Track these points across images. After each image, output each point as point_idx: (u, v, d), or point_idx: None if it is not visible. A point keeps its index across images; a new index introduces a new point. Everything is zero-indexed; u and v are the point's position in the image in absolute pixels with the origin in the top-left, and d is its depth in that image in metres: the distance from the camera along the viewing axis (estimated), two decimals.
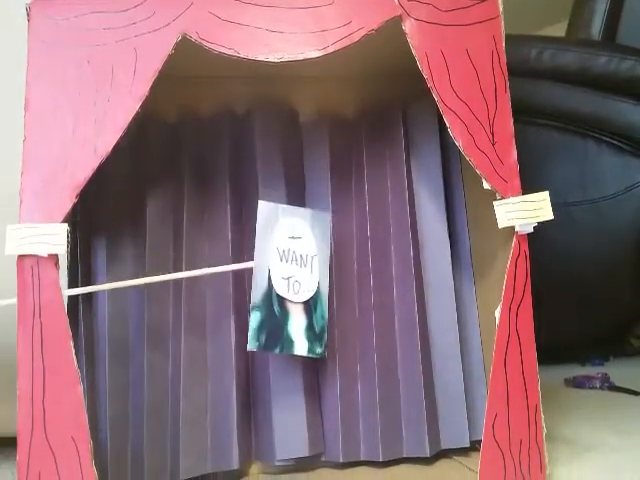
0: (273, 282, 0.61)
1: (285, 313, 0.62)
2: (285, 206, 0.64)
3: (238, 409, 0.64)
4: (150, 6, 0.56)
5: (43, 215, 0.52)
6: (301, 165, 0.71)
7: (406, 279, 0.67)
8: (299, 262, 0.63)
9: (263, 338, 0.60)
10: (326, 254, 0.65)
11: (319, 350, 0.63)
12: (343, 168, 0.71)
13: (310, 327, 0.62)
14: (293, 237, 0.63)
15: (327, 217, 0.66)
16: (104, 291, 0.64)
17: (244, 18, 0.56)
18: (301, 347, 0.62)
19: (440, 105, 0.58)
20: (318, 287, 0.63)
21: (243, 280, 0.68)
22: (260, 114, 0.70)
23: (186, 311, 0.64)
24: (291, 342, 0.62)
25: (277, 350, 0.61)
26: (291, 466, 0.66)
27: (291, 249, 0.62)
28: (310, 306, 0.63)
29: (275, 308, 0.61)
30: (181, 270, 0.65)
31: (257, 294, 0.61)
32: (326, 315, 0.64)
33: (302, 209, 0.64)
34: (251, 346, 0.60)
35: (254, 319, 0.60)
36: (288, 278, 0.62)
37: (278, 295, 0.61)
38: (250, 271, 0.63)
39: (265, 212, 0.62)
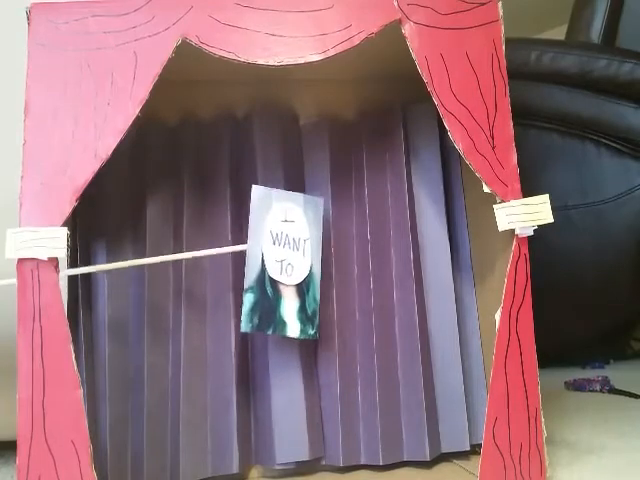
0: (266, 265, 0.62)
1: (278, 295, 0.62)
2: (279, 190, 0.64)
3: (238, 412, 0.64)
4: (150, 10, 0.56)
5: (43, 219, 0.52)
6: (301, 168, 0.71)
7: (406, 282, 0.67)
8: (292, 245, 0.63)
9: (256, 319, 0.61)
10: (318, 238, 0.65)
11: (311, 332, 0.63)
12: (343, 171, 0.71)
13: (302, 309, 0.63)
14: (286, 221, 0.63)
15: (320, 202, 0.66)
16: (104, 294, 0.64)
17: (244, 22, 0.56)
18: (294, 329, 0.63)
19: (440, 109, 0.58)
20: (310, 270, 0.64)
21: (243, 285, 0.68)
22: (260, 117, 0.70)
23: (186, 313, 0.64)
24: (284, 324, 0.62)
25: (270, 331, 0.62)
26: (291, 470, 0.66)
27: (284, 232, 0.63)
28: (302, 289, 0.64)
29: (268, 290, 0.62)
30: (182, 274, 0.65)
31: (250, 276, 0.61)
32: (318, 297, 0.64)
33: (295, 193, 0.65)
34: (244, 327, 0.61)
35: (247, 301, 0.61)
36: (281, 261, 0.62)
37: (271, 278, 0.62)
38: None
39: (259, 196, 0.63)
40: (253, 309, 0.61)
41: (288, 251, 0.63)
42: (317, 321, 0.64)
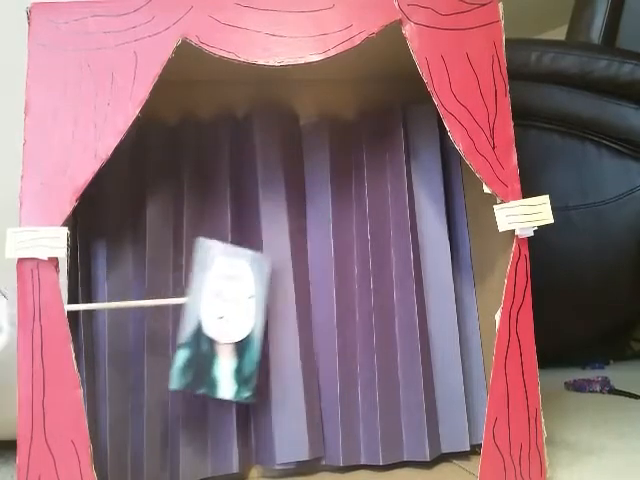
0: (204, 321, 0.59)
1: (213, 353, 0.59)
2: (226, 244, 0.62)
3: (238, 412, 0.64)
4: (150, 10, 0.56)
5: (43, 218, 0.52)
6: (301, 168, 0.71)
7: (406, 282, 0.67)
8: (234, 302, 0.60)
9: (189, 377, 0.58)
10: (263, 297, 0.62)
11: (246, 394, 0.60)
12: (343, 171, 0.71)
13: (239, 370, 0.60)
14: (230, 277, 0.60)
15: (266, 260, 0.63)
16: (104, 294, 0.64)
17: (244, 22, 0.56)
18: (227, 390, 0.59)
19: (440, 109, 0.58)
20: (252, 329, 0.61)
21: None
22: (260, 117, 0.70)
23: None
24: (216, 384, 0.59)
25: (202, 391, 0.59)
26: (291, 470, 0.66)
27: (227, 288, 0.60)
28: (241, 348, 0.60)
29: (203, 347, 0.59)
30: (181, 272, 0.65)
31: (186, 332, 0.59)
32: (257, 358, 0.60)
33: (242, 249, 0.62)
34: (175, 385, 0.58)
35: (180, 357, 0.58)
36: (220, 318, 0.59)
37: (208, 334, 0.59)
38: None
39: (203, 249, 0.60)
40: (187, 365, 0.58)
41: (229, 308, 0.60)
42: (254, 383, 0.60)
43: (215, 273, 0.60)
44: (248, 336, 0.60)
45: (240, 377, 0.60)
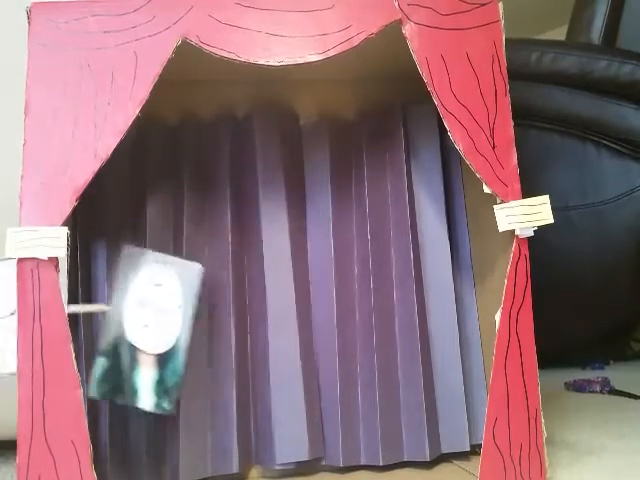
0: (127, 329, 0.57)
1: (135, 363, 0.57)
2: (153, 252, 0.60)
3: (238, 413, 0.64)
4: (150, 10, 0.56)
5: (43, 218, 0.52)
6: (301, 168, 0.71)
7: (406, 282, 0.67)
8: (160, 312, 0.58)
9: (107, 386, 0.57)
10: (191, 307, 0.59)
11: (166, 406, 0.57)
12: (343, 171, 0.71)
13: (161, 381, 0.58)
14: (157, 285, 0.59)
15: (197, 268, 0.61)
16: (104, 294, 0.64)
17: (244, 22, 0.56)
18: (146, 401, 0.57)
19: (440, 109, 0.58)
20: (177, 340, 0.58)
21: (243, 285, 0.68)
22: (260, 117, 0.70)
23: None
24: (136, 394, 0.57)
25: (121, 401, 0.57)
26: (291, 470, 0.66)
27: (153, 297, 0.58)
28: (164, 359, 0.58)
29: (124, 356, 0.57)
30: None
31: (106, 340, 0.57)
32: (180, 371, 0.58)
33: (172, 257, 0.60)
34: (93, 393, 0.56)
35: (100, 365, 0.57)
36: (145, 327, 0.58)
37: (130, 343, 0.57)
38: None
39: (129, 257, 0.59)
40: (106, 374, 0.57)
41: (154, 317, 0.58)
42: (175, 396, 0.58)
43: (141, 281, 0.59)
44: (172, 347, 0.58)
45: (161, 388, 0.58)
